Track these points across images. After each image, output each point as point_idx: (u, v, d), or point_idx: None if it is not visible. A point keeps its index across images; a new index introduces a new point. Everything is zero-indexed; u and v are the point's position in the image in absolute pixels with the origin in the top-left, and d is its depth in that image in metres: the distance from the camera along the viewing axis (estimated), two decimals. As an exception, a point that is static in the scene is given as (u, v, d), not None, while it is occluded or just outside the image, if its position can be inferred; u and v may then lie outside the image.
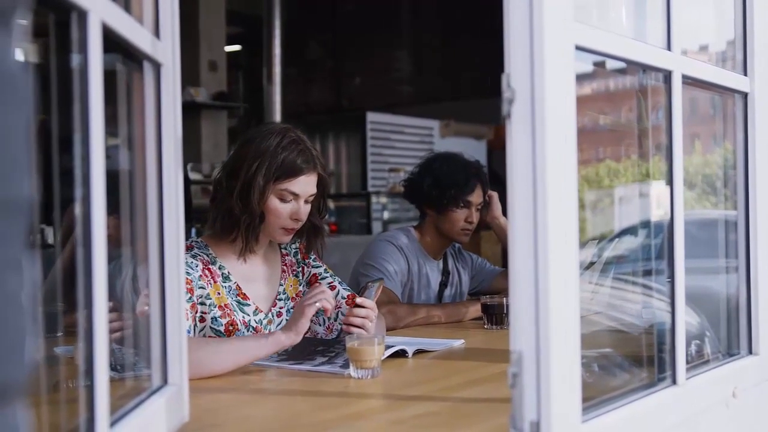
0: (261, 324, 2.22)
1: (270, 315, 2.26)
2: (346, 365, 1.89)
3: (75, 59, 1.00)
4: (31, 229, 0.58)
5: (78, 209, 1.00)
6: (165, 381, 1.36)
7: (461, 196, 2.95)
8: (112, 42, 1.10)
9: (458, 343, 2.32)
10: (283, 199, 2.17)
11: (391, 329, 2.66)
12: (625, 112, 2.04)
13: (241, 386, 1.81)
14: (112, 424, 1.08)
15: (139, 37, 1.22)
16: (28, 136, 0.56)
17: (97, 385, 1.00)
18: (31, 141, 0.57)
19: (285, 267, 2.35)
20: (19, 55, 0.57)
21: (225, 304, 2.16)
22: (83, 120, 1.00)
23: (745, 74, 1.79)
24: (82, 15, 0.98)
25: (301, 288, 2.36)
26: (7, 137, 0.53)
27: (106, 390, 1.01)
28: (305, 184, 2.18)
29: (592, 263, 2.07)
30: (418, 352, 2.16)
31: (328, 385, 1.79)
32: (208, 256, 2.19)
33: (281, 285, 2.32)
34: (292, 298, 2.32)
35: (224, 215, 2.18)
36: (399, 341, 2.17)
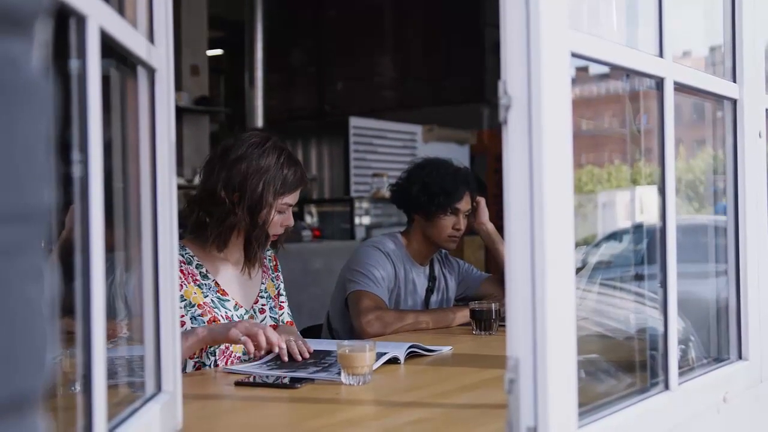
0: (243, 319, 2.27)
1: (252, 311, 2.33)
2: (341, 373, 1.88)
3: (73, 64, 1.00)
4: (47, 238, 0.58)
5: (76, 215, 0.99)
6: (159, 388, 1.35)
7: (450, 204, 2.95)
8: (108, 47, 1.09)
9: (447, 350, 2.33)
10: (281, 212, 2.28)
11: (379, 335, 2.67)
12: (608, 117, 2.05)
13: (234, 394, 1.80)
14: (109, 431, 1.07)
15: (135, 43, 1.21)
16: (49, 143, 0.56)
17: (95, 393, 0.99)
18: (51, 148, 0.57)
19: (265, 268, 2.44)
20: (39, 62, 0.57)
21: (204, 302, 2.21)
22: (81, 125, 0.99)
23: (734, 81, 1.81)
24: (81, 20, 0.98)
25: (276, 291, 2.45)
26: (28, 145, 0.53)
27: (104, 398, 1.00)
28: (298, 195, 2.32)
29: (578, 269, 2.08)
30: (411, 354, 2.16)
31: (320, 392, 1.79)
32: (183, 256, 2.21)
33: (263, 284, 2.40)
34: (273, 297, 2.42)
35: (229, 230, 2.24)
36: (390, 346, 2.16)
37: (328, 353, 2.14)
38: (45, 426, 0.57)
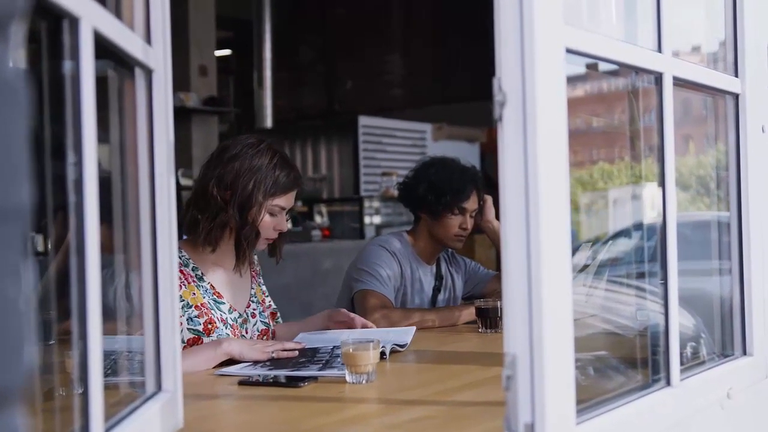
0: (236, 322, 2.32)
1: (245, 314, 2.36)
2: (342, 369, 1.89)
3: (67, 66, 1.00)
4: (27, 236, 0.58)
5: (71, 216, 0.99)
6: (159, 387, 1.36)
7: (457, 203, 2.95)
8: (103, 48, 1.10)
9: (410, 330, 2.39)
10: (272, 214, 2.29)
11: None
12: (618, 113, 2.04)
13: (236, 392, 1.81)
14: (107, 430, 1.07)
15: (130, 44, 1.22)
16: (26, 143, 0.57)
17: (92, 393, 1.00)
18: (29, 148, 0.57)
19: (254, 273, 2.48)
20: (16, 63, 0.57)
21: (201, 304, 2.24)
22: (75, 126, 0.99)
23: (736, 75, 1.80)
24: (74, 22, 0.98)
25: (263, 296, 2.49)
26: (6, 144, 0.53)
27: (101, 397, 1.01)
28: (292, 199, 2.33)
29: (586, 266, 2.07)
30: (394, 351, 2.21)
31: (324, 391, 1.79)
32: (180, 258, 2.23)
33: (252, 289, 2.44)
34: (261, 302, 2.45)
35: (219, 227, 2.25)
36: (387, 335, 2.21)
37: (318, 350, 2.18)
38: (24, 423, 0.57)
